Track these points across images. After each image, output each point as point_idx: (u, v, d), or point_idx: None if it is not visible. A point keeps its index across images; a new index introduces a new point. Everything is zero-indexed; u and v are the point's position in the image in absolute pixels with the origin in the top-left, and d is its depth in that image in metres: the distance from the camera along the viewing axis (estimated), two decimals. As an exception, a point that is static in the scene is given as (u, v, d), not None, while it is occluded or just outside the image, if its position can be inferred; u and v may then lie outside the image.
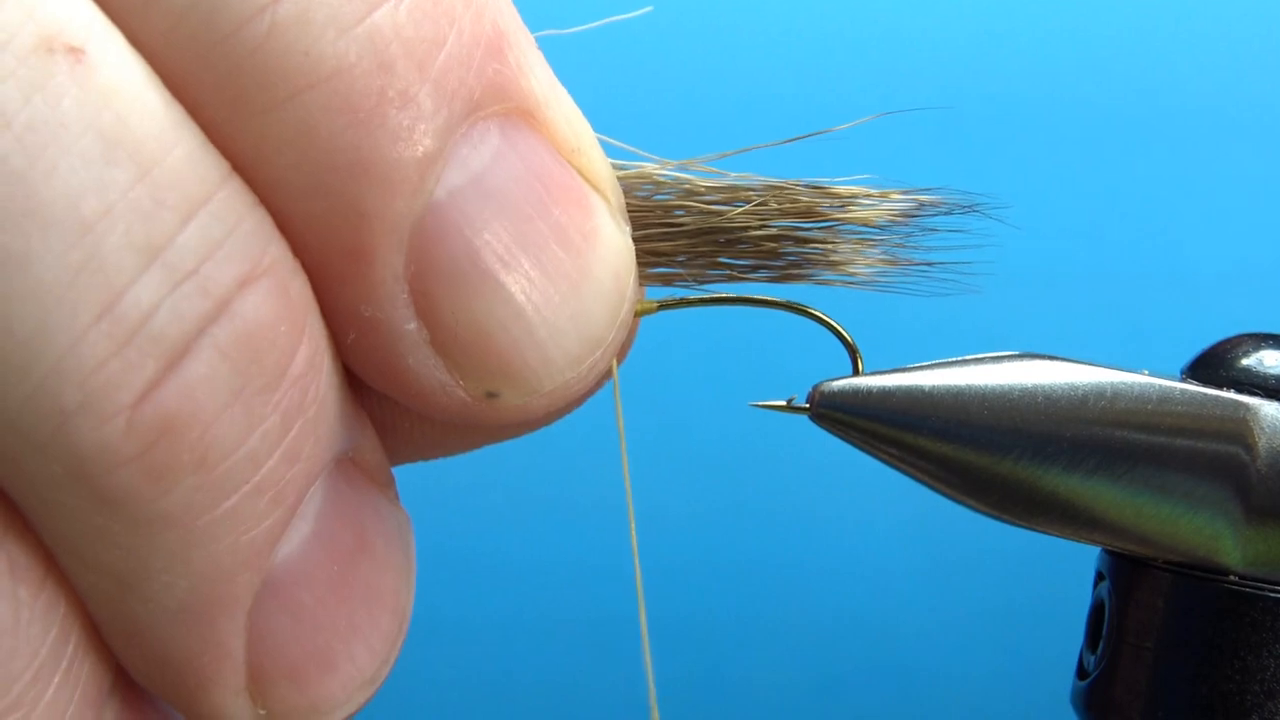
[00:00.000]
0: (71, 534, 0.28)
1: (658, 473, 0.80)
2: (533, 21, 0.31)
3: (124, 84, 0.27)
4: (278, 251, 0.28)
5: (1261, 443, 0.35)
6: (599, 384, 0.33)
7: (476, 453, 0.36)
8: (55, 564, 0.28)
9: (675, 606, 0.81)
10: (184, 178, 0.27)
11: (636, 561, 0.35)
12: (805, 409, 0.36)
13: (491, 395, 0.31)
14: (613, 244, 0.32)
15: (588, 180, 0.31)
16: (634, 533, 0.36)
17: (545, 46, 0.31)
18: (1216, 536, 0.36)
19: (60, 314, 0.26)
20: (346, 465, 0.31)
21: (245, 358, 0.28)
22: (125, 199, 0.26)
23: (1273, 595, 0.35)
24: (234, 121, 0.28)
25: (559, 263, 0.31)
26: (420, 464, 0.36)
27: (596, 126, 0.32)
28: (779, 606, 0.82)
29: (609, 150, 0.33)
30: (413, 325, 0.30)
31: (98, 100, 0.26)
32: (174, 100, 0.27)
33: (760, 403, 0.37)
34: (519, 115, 0.30)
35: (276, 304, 0.28)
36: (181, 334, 0.27)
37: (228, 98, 0.27)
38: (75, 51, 0.26)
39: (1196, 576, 0.36)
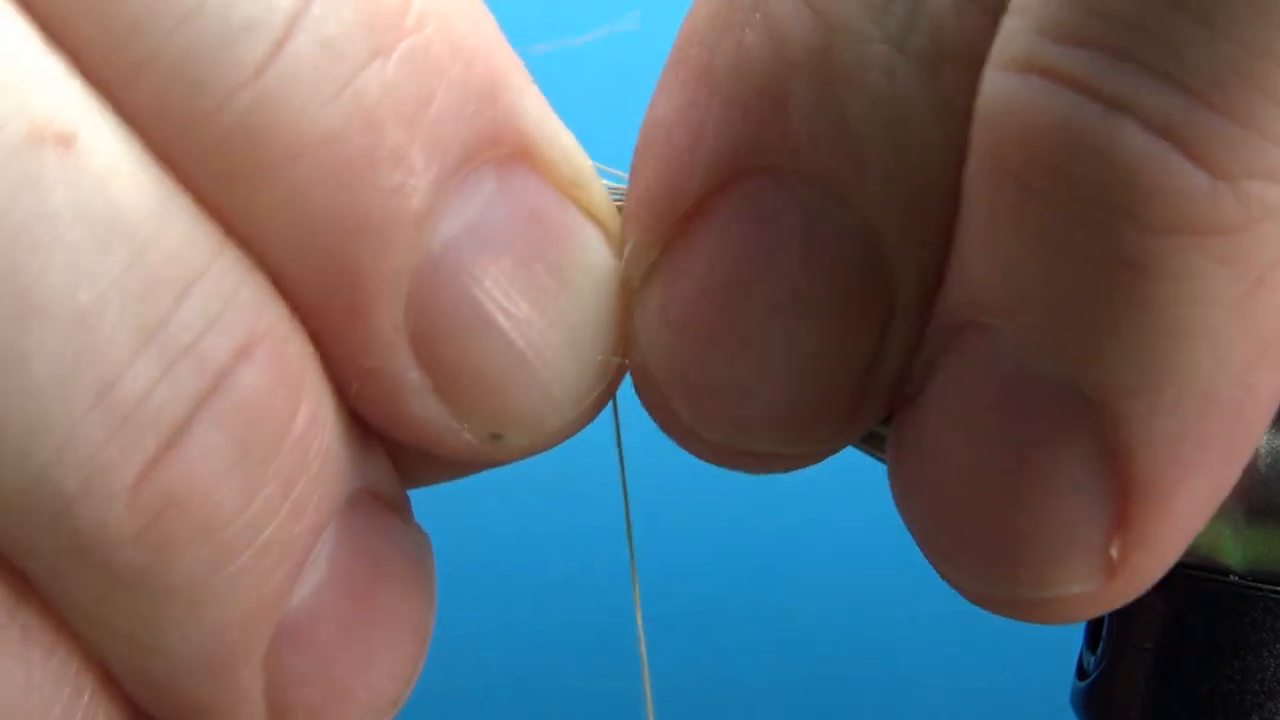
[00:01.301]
0: (82, 603, 0.28)
1: (656, 473, 0.80)
2: (523, 35, 0.31)
3: (114, 168, 0.27)
4: (274, 315, 0.28)
5: (1262, 443, 0.35)
6: (601, 410, 0.33)
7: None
8: (67, 625, 0.28)
9: (673, 608, 0.81)
10: (178, 255, 0.27)
11: (634, 571, 0.35)
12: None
13: (496, 437, 0.31)
14: (613, 277, 0.31)
15: (586, 213, 0.31)
16: (631, 539, 0.35)
17: (535, 62, 0.31)
18: (1216, 536, 0.35)
19: (56, 405, 0.26)
20: (358, 498, 0.31)
21: (243, 428, 0.27)
22: (119, 285, 0.26)
23: (1273, 595, 0.35)
24: (225, 191, 0.27)
25: (559, 303, 0.30)
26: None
27: (586, 142, 0.32)
28: (778, 607, 0.82)
29: (604, 167, 0.33)
30: (415, 374, 0.29)
31: (90, 188, 0.26)
32: (165, 175, 0.27)
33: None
34: (514, 158, 0.30)
35: (273, 371, 0.28)
36: (178, 412, 0.27)
37: (217, 169, 0.27)
38: (66, 140, 0.26)
39: (1196, 576, 0.36)
